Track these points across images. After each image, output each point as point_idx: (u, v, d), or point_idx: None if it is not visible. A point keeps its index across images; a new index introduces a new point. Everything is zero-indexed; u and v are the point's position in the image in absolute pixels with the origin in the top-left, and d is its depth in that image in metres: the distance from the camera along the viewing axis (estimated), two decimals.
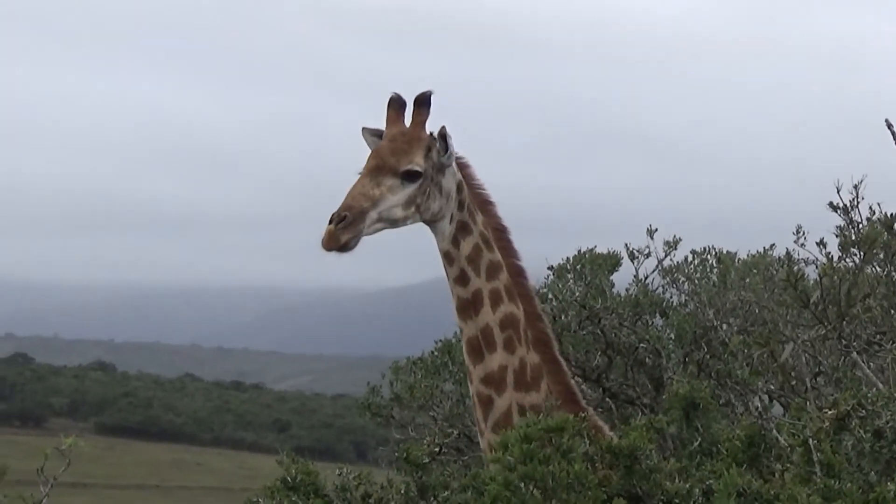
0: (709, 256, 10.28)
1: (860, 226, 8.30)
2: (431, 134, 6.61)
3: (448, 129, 6.60)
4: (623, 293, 9.59)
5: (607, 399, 9.36)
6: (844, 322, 8.08)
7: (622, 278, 9.72)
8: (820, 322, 8.12)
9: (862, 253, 8.15)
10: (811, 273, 8.45)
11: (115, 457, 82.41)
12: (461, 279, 6.67)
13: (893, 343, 8.05)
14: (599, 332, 9.33)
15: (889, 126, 8.21)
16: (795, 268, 8.36)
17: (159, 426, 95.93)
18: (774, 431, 6.42)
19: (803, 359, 8.36)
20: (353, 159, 6.64)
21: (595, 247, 9.62)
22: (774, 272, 9.66)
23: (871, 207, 8.41)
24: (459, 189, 6.70)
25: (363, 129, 6.75)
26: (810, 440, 5.79)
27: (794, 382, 8.49)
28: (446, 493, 6.61)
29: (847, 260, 8.19)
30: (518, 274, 6.76)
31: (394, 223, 6.56)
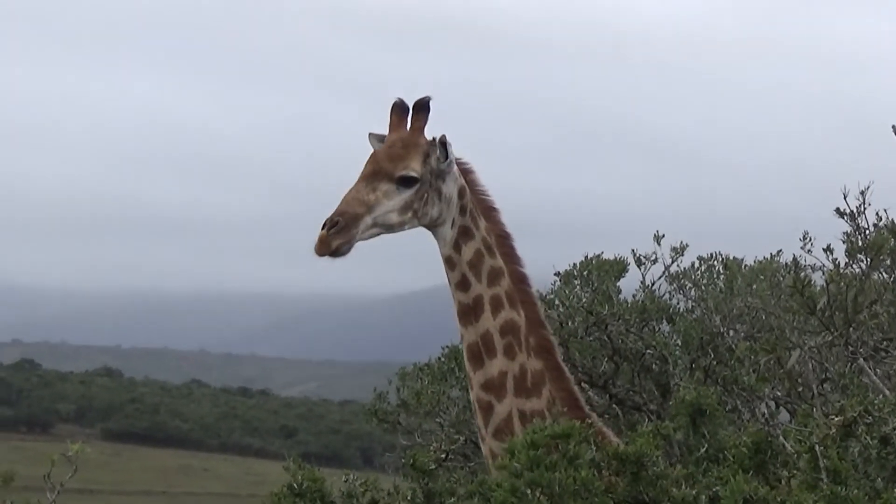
0: (715, 262, 10.27)
1: (867, 232, 8.30)
2: (434, 139, 6.63)
3: (448, 134, 6.62)
4: (630, 299, 9.59)
5: (614, 405, 9.36)
6: (851, 328, 8.08)
7: (629, 284, 9.73)
8: (826, 328, 8.13)
9: (869, 259, 8.15)
10: (818, 279, 8.45)
11: (122, 463, 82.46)
12: (462, 284, 6.67)
13: None
14: (606, 339, 9.33)
15: None
16: (802, 274, 8.36)
17: (166, 432, 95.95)
18: (781, 438, 6.42)
19: (810, 365, 8.35)
20: (358, 161, 6.66)
21: (602, 253, 9.63)
22: (781, 278, 9.65)
23: (877, 213, 8.42)
24: (461, 194, 6.70)
25: (370, 134, 6.77)
26: (817, 447, 5.79)
27: (800, 389, 8.49)
28: (453, 499, 6.61)
29: (854, 266, 8.20)
30: (520, 280, 6.76)
31: (390, 228, 6.56)
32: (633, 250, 9.95)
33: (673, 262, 10.19)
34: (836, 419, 5.89)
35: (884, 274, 8.28)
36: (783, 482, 5.92)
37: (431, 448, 9.45)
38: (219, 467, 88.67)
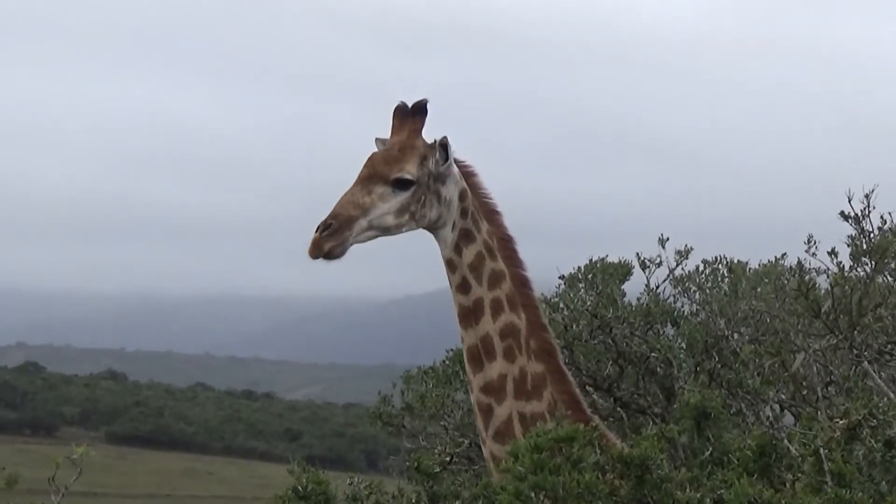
0: (720, 266, 10.26)
1: (871, 235, 8.29)
2: (434, 141, 6.63)
3: (448, 135, 6.61)
4: (634, 302, 9.58)
5: (618, 408, 9.35)
6: (856, 331, 8.08)
7: (633, 287, 9.72)
8: (831, 331, 8.12)
9: (873, 262, 8.14)
10: (822, 282, 8.44)
11: (127, 466, 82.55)
12: (463, 287, 6.67)
13: None
14: (611, 342, 9.32)
15: None
16: (807, 277, 8.35)
17: (170, 435, 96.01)
18: (785, 441, 6.42)
19: (814, 368, 8.34)
20: (358, 161, 6.66)
21: (606, 256, 9.63)
22: (786, 281, 9.64)
23: (882, 217, 8.41)
24: (463, 197, 6.70)
25: (376, 139, 6.76)
26: (821, 450, 5.79)
27: (805, 392, 8.48)
28: (457, 502, 6.62)
29: (858, 269, 8.19)
30: (522, 283, 6.75)
31: (386, 231, 6.56)
32: (637, 253, 9.95)
33: (677, 266, 10.18)
34: (841, 422, 5.89)
35: (888, 277, 8.27)
36: (788, 485, 5.92)
37: (436, 451, 9.46)
38: (223, 470, 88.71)
